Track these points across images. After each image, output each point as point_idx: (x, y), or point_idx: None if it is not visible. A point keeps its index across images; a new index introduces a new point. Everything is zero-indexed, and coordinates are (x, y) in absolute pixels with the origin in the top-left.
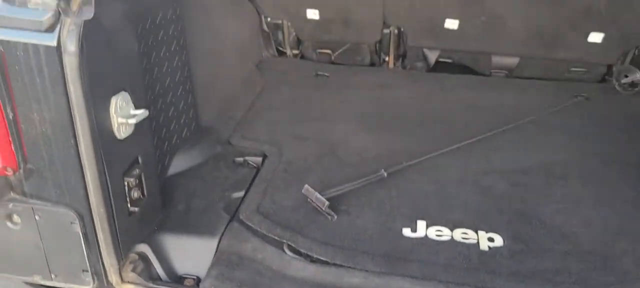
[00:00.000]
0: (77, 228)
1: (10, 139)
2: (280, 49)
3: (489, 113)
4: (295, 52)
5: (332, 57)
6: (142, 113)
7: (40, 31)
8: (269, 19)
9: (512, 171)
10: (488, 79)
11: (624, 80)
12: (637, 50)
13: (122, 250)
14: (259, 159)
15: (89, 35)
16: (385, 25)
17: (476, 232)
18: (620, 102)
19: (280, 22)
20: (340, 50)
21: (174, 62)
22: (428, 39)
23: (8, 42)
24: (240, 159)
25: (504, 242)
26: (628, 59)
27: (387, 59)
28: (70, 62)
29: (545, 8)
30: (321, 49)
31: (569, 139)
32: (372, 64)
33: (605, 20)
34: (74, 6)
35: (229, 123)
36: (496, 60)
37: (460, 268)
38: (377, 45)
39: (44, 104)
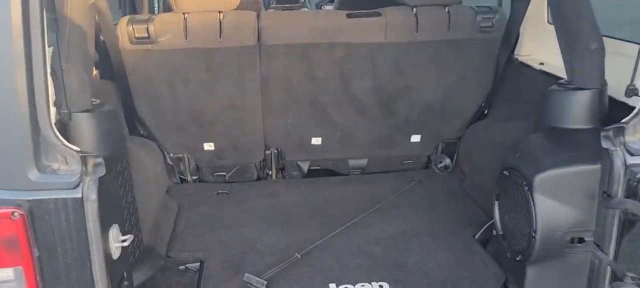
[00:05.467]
0: None
1: (36, 273)
2: (182, 176)
3: (355, 201)
4: (195, 177)
5: (227, 177)
6: (129, 238)
7: (69, 189)
8: (171, 155)
9: (383, 238)
10: (348, 177)
11: (439, 165)
12: (443, 143)
13: None
14: (197, 264)
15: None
16: (267, 147)
17: (370, 284)
18: (440, 181)
19: (181, 155)
20: (233, 171)
21: (128, 198)
22: (300, 154)
23: (42, 200)
24: (182, 267)
25: (389, 286)
26: (439, 150)
27: (270, 172)
28: (92, 208)
29: (379, 122)
30: (217, 172)
31: (414, 210)
32: (259, 178)
33: (419, 126)
34: (90, 168)
35: (162, 241)
36: (351, 162)
37: None
38: (262, 163)
39: (68, 240)
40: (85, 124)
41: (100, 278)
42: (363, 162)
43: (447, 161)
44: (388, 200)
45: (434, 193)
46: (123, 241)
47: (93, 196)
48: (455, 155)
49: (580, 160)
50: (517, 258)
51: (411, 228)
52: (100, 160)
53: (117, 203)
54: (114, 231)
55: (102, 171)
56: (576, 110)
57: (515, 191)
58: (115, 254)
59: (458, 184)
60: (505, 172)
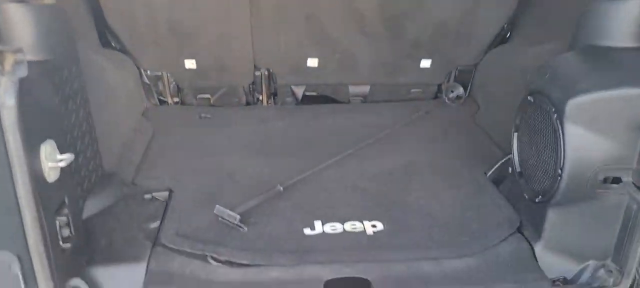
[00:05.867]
0: (17, 269)
1: None
2: (162, 98)
3: (353, 131)
4: (176, 99)
5: (211, 101)
6: (69, 157)
7: None
8: (148, 72)
9: (380, 173)
10: (348, 105)
11: (451, 95)
12: (457, 71)
13: (59, 285)
14: (166, 193)
15: (20, 90)
16: (256, 68)
17: (362, 222)
18: (451, 112)
19: (159, 73)
20: (218, 94)
21: (80, 113)
22: (294, 76)
23: None
24: (148, 196)
25: (384, 226)
26: (451, 77)
27: (260, 97)
28: (9, 116)
29: (384, 43)
30: (200, 94)
31: (419, 144)
32: (248, 103)
33: (430, 49)
34: (8, 66)
35: (129, 167)
36: (352, 89)
37: (355, 250)
38: (251, 86)
39: None
40: (17, 17)
41: (27, 204)
42: (365, 88)
43: (460, 90)
44: (391, 131)
45: (442, 126)
46: (60, 161)
47: (10, 102)
48: (470, 84)
49: (625, 82)
50: (537, 200)
51: (414, 163)
52: (21, 56)
53: (55, 116)
54: (48, 148)
55: (23, 71)
56: (623, 23)
57: (541, 120)
58: (50, 176)
59: (470, 117)
60: (529, 98)
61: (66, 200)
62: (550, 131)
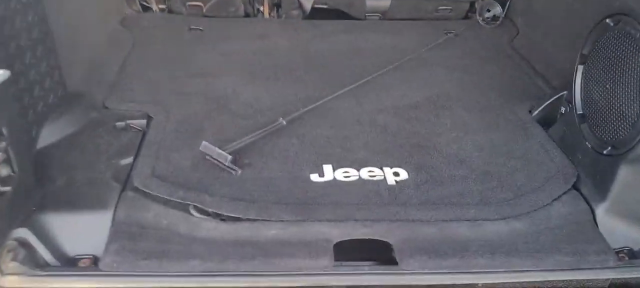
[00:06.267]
0: None
1: None
2: (145, 3)
3: (370, 55)
4: (162, 6)
5: (204, 10)
6: (2, 73)
7: None
8: None
9: (403, 107)
10: (363, 23)
11: (486, 15)
12: None
13: None
14: (143, 121)
15: None
16: None
17: (381, 169)
18: (485, 35)
19: None
20: (212, 2)
21: (28, 15)
22: None
23: None
24: (121, 123)
25: (408, 174)
26: None
27: (261, 8)
28: None
29: None
30: (191, 1)
31: (447, 72)
32: (247, 15)
33: None
34: None
35: (100, 86)
36: (370, 3)
37: (373, 204)
38: None
39: None
40: None
41: None
42: (385, 3)
43: (497, 9)
44: (414, 56)
45: (476, 52)
46: None
47: None
48: (508, 1)
49: None
50: (605, 152)
51: (443, 96)
52: None
53: None
54: None
55: None
56: None
57: (625, 49)
58: None
59: (508, 41)
60: (608, 21)
61: (3, 130)
62: (637, 64)
